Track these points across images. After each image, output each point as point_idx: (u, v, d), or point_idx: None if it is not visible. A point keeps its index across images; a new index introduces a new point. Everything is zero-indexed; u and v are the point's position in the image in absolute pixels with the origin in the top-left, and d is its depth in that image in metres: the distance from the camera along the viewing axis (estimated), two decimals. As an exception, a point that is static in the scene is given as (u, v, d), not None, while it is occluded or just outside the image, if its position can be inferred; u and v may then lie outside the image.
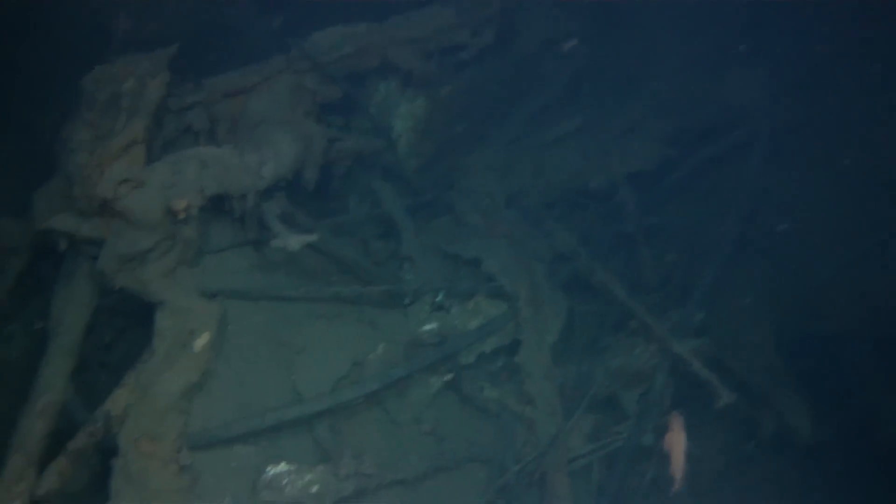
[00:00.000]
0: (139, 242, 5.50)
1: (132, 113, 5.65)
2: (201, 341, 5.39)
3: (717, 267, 6.57)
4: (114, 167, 5.42)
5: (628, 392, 6.09)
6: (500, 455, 5.75)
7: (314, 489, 5.25)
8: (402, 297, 6.22)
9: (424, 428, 5.84)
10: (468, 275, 6.49)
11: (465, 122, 7.53)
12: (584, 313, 6.62)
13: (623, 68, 7.97)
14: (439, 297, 6.22)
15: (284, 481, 5.25)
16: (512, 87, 7.73)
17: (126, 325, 6.24)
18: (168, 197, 5.37)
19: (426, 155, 7.37)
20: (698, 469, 5.87)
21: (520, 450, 5.77)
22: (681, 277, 6.81)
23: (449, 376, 5.93)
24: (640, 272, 6.93)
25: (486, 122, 7.72)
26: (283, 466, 5.31)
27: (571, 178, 7.38)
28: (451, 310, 6.21)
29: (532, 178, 7.36)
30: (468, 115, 7.58)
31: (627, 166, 7.36)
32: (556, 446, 5.64)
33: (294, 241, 5.54)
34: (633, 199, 7.14)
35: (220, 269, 6.04)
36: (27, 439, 5.14)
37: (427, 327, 6.12)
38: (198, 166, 5.46)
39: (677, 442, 5.43)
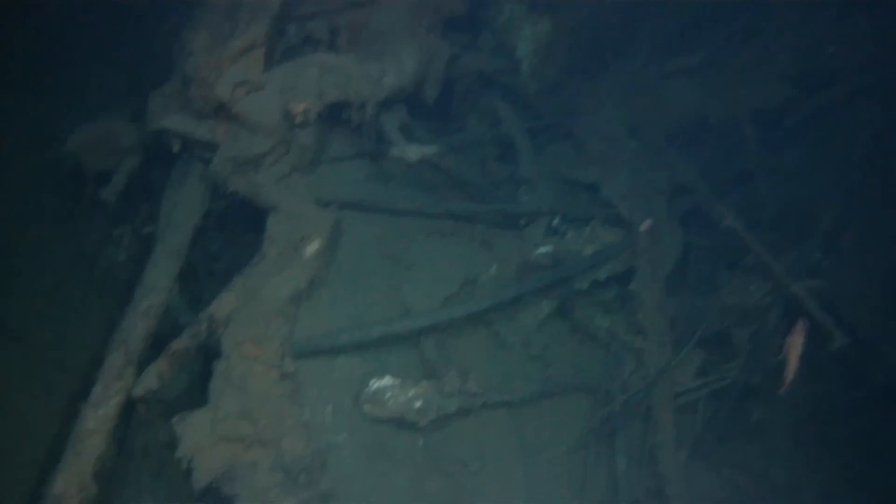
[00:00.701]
0: (254, 146, 5.44)
1: (253, 18, 5.43)
2: (312, 248, 5.30)
3: (836, 210, 6.27)
4: (232, 69, 5.32)
5: (740, 330, 5.92)
6: (606, 384, 5.68)
7: (417, 405, 5.18)
8: (518, 219, 6.10)
9: (532, 352, 5.74)
10: (586, 200, 6.39)
11: (588, 50, 7.31)
12: (701, 247, 6.47)
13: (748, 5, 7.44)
14: (555, 221, 6.09)
15: (387, 395, 5.20)
16: (636, 17, 7.43)
17: (234, 236, 6.17)
18: (286, 101, 5.22)
19: (548, 79, 7.19)
20: (803, 414, 5.80)
21: (627, 380, 5.69)
22: (799, 218, 6.58)
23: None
24: (759, 210, 6.74)
25: (609, 52, 7.53)
26: (387, 380, 5.25)
27: (692, 112, 7.17)
28: (566, 234, 6.08)
29: (653, 110, 7.16)
30: (591, 43, 7.36)
31: (749, 103, 7.10)
32: (664, 379, 5.55)
33: (413, 152, 5.43)
34: (755, 137, 6.81)
35: (335, 178, 5.96)
36: (129, 338, 5.14)
37: (541, 250, 5.99)
38: (318, 72, 5.37)
39: (795, 345, 5.14)
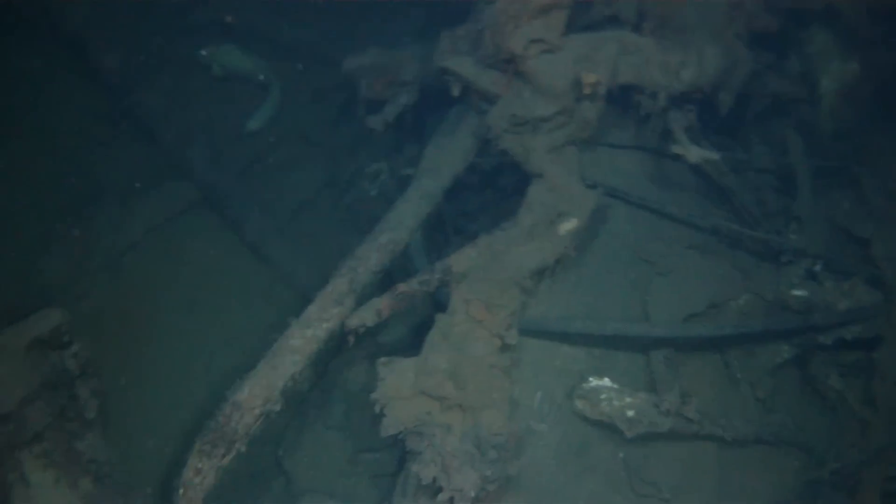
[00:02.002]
0: (536, 108, 5.25)
1: None
2: (568, 225, 5.10)
3: None
4: (531, 24, 5.13)
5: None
6: (822, 448, 5.31)
7: (630, 414, 4.92)
8: (780, 254, 5.73)
9: (758, 393, 5.41)
10: (853, 254, 6.00)
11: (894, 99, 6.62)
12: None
13: None
14: (817, 267, 5.72)
15: (602, 396, 4.95)
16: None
17: (492, 199, 6.13)
18: (579, 69, 4.88)
19: (847, 121, 6.72)
20: None
21: (844, 450, 5.28)
22: None
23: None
24: None
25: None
26: (605, 381, 5.01)
27: None
28: (824, 283, 5.65)
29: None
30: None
31: None
32: (882, 460, 5.11)
33: (695, 152, 5.19)
34: None
35: (608, 163, 5.78)
36: (358, 267, 5.06)
37: (797, 292, 5.60)
38: (617, 48, 5.13)
39: None
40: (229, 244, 6.57)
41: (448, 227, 5.87)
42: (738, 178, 6.12)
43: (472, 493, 4.26)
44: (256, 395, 4.49)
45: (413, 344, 4.89)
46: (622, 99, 5.51)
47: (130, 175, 6.76)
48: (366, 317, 4.82)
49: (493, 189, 6.01)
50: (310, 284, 5.89)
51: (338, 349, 5.14)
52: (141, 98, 6.91)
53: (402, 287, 4.94)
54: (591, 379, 5.03)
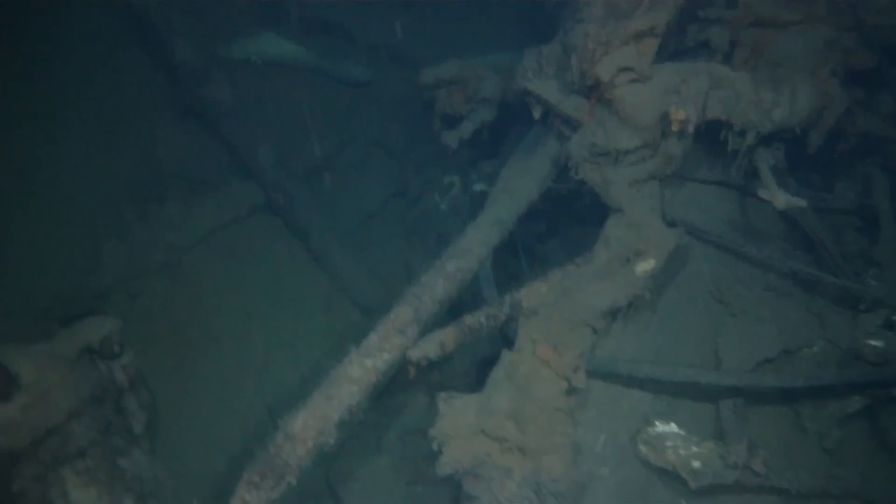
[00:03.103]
0: (620, 139, 5.00)
1: (656, 3, 4.88)
2: (645, 266, 4.83)
3: None
4: (621, 50, 4.91)
5: None
6: (889, 502, 4.92)
7: (695, 464, 4.70)
8: (859, 301, 5.37)
9: (826, 444, 5.15)
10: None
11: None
12: None
13: None
14: (896, 317, 5.11)
15: (668, 443, 4.75)
16: None
17: (566, 224, 5.96)
18: (668, 102, 4.72)
19: (939, 166, 6.08)
20: None
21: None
22: None
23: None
24: None
25: None
26: (672, 427, 4.80)
27: None
28: (904, 335, 5.09)
29: None
30: None
31: None
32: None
33: (782, 199, 4.97)
34: None
35: (689, 198, 5.57)
36: (423, 296, 4.79)
37: (873, 342, 5.27)
38: (708, 82, 4.90)
39: None
40: (292, 251, 6.47)
41: (520, 250, 5.65)
42: (820, 217, 5.80)
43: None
44: (310, 427, 4.30)
45: (476, 378, 4.75)
46: (708, 133, 5.20)
47: (196, 171, 6.65)
48: (429, 349, 4.63)
49: (569, 216, 5.64)
50: (372, 298, 5.79)
51: (397, 377, 4.80)
52: (211, 93, 6.61)
53: (468, 319, 4.76)
54: (657, 423, 4.83)
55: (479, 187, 5.98)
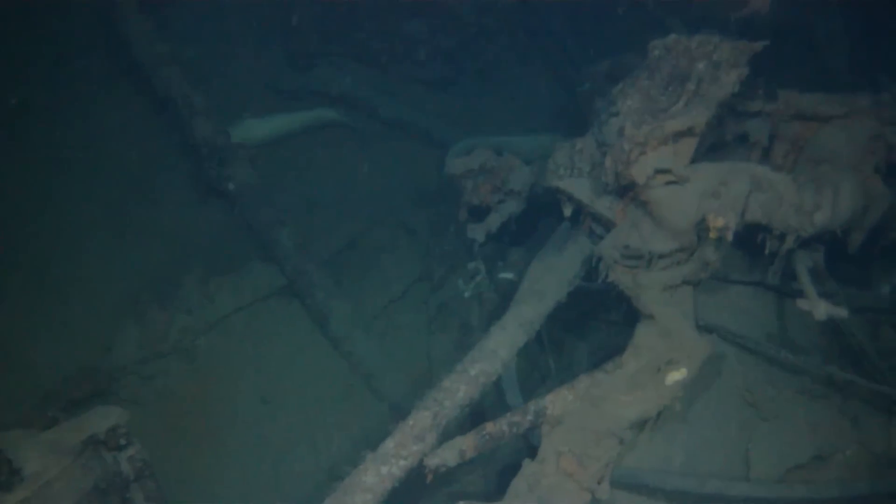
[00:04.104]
0: (654, 243, 4.84)
1: (697, 98, 4.74)
2: (676, 375, 4.63)
3: None
4: (658, 151, 4.73)
5: None
6: None
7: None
8: (894, 405, 5.13)
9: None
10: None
11: None
12: None
13: None
14: (933, 421, 4.91)
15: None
16: None
17: (594, 323, 5.76)
18: (706, 206, 4.60)
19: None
20: None
21: None
22: None
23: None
24: None
25: None
26: (700, 542, 4.23)
27: None
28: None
29: None
30: None
31: None
32: None
33: (822, 310, 4.72)
34: None
35: (723, 300, 5.43)
36: (444, 401, 4.61)
37: (912, 449, 4.81)
38: (749, 186, 4.66)
39: None
40: (311, 336, 6.27)
41: (546, 346, 5.53)
42: (857, 316, 5.56)
43: None
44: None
45: (497, 486, 4.66)
46: (745, 233, 5.00)
47: (215, 252, 6.48)
48: (448, 456, 4.42)
49: (597, 315, 5.53)
50: (392, 387, 5.86)
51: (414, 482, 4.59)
52: (232, 172, 6.43)
53: (489, 427, 4.54)
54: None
55: (505, 275, 5.86)
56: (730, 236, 4.60)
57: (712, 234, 4.58)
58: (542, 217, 5.78)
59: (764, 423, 5.11)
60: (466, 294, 6.17)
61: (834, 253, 5.46)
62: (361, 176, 7.31)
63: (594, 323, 5.75)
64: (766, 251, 5.10)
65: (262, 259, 6.51)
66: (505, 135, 7.20)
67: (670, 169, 4.70)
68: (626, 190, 4.85)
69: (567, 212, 5.20)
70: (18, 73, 6.94)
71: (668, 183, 4.76)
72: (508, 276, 5.81)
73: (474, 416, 4.79)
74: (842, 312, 4.71)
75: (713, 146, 5.39)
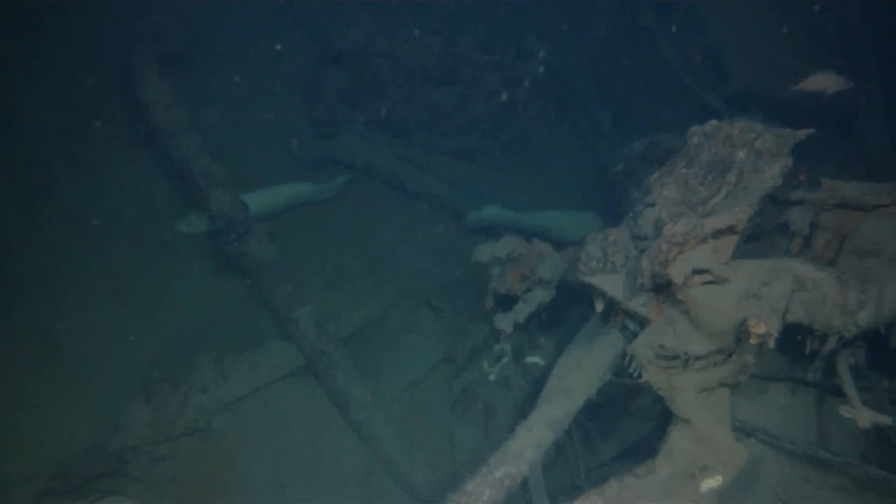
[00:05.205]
0: (690, 344, 4.61)
1: (736, 192, 4.45)
2: (711, 483, 4.45)
3: None
4: (697, 251, 4.58)
5: None
6: None
7: None
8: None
9: None
10: None
11: None
12: None
13: None
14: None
15: None
16: None
17: (623, 423, 5.62)
18: (746, 309, 4.35)
19: None
20: None
21: None
22: None
23: None
24: None
25: None
26: None
27: None
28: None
29: None
30: None
31: None
32: None
33: (866, 418, 4.58)
34: None
35: (761, 396, 5.29)
36: (468, 505, 4.11)
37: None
38: (790, 285, 4.38)
39: None
40: (330, 418, 6.15)
41: (574, 449, 5.24)
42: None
43: None
44: None
45: None
46: (786, 331, 4.73)
47: (232, 329, 6.28)
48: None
49: (628, 411, 5.29)
50: (413, 473, 5.75)
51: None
52: (250, 247, 6.22)
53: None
54: None
55: (532, 360, 5.62)
56: (772, 343, 4.34)
57: (753, 340, 4.34)
58: (572, 305, 5.45)
59: (794, 523, 4.59)
60: (492, 377, 5.91)
61: (876, 343, 5.18)
62: (385, 251, 6.97)
63: (625, 418, 5.33)
64: (807, 350, 4.88)
65: (280, 337, 6.24)
66: (533, 210, 6.97)
67: (710, 269, 4.42)
68: (662, 287, 4.59)
69: (599, 307, 4.99)
70: (35, 132, 6.86)
71: (707, 283, 4.43)
72: (536, 360, 5.55)
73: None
74: (885, 419, 4.51)
75: (752, 236, 5.23)
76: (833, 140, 6.82)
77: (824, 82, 6.17)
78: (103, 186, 6.64)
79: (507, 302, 5.53)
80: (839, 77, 6.15)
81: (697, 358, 4.62)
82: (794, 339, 4.89)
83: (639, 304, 4.73)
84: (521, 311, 5.49)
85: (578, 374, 4.97)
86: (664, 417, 4.75)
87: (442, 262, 6.89)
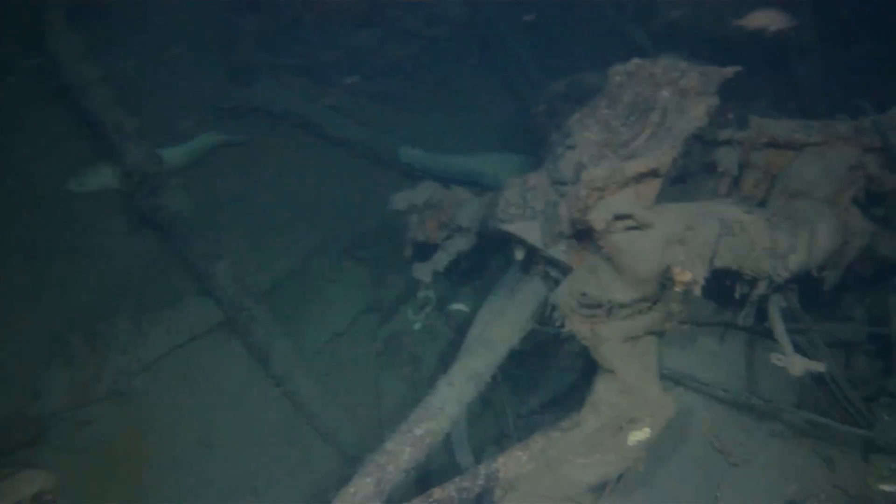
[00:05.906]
0: (613, 292, 4.47)
1: (659, 133, 4.29)
2: (639, 436, 4.33)
3: None
4: (617, 196, 4.43)
5: None
6: None
7: None
8: (873, 445, 4.89)
9: None
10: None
11: None
12: None
13: None
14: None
15: None
16: None
17: (548, 371, 5.47)
18: (671, 255, 4.30)
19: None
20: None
21: None
22: None
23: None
24: None
25: None
26: None
27: None
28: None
29: None
30: None
31: None
32: None
33: (798, 365, 4.44)
34: None
35: (690, 343, 5.14)
36: (387, 464, 4.25)
37: (885, 487, 4.82)
38: (717, 229, 4.36)
39: None
40: (252, 374, 6.06)
41: (495, 404, 5.26)
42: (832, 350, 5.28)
43: None
44: None
45: None
46: (714, 276, 4.62)
47: (149, 288, 6.27)
48: (400, 524, 3.85)
49: (549, 360, 5.37)
50: (338, 427, 5.65)
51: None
52: (166, 202, 6.00)
53: (437, 493, 4.18)
54: None
55: (456, 307, 5.64)
56: (697, 290, 4.27)
57: (678, 288, 4.25)
58: (494, 253, 5.44)
59: (734, 469, 4.84)
60: (416, 326, 5.77)
61: (806, 286, 5.12)
62: (304, 200, 6.78)
63: (554, 366, 5.42)
64: (737, 295, 4.78)
65: (199, 293, 6.19)
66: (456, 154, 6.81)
67: (632, 214, 4.29)
68: (583, 234, 4.46)
69: (519, 256, 4.83)
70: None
71: (630, 228, 4.32)
72: (460, 307, 5.48)
73: (421, 481, 4.56)
74: (818, 366, 4.44)
75: (678, 177, 5.09)
76: (764, 77, 6.65)
77: (768, 19, 5.98)
78: (10, 145, 6.31)
79: (427, 250, 5.36)
80: (784, 14, 5.96)
81: (621, 306, 4.50)
82: (723, 283, 4.76)
83: (560, 252, 4.59)
84: (441, 259, 5.37)
85: (500, 325, 4.83)
86: (590, 368, 4.61)
87: (364, 209, 6.65)
